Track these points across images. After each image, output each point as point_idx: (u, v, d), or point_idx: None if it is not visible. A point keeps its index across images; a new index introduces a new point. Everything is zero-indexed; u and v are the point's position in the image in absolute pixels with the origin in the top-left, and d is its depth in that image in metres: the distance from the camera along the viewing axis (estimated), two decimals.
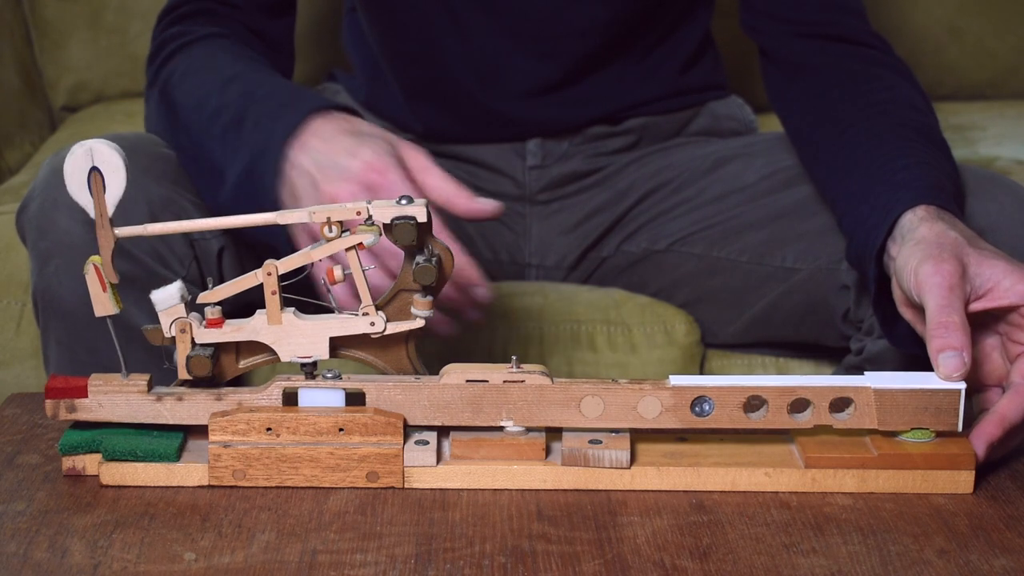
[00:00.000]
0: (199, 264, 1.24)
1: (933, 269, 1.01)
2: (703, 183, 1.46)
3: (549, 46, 1.45)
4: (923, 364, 1.01)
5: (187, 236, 1.24)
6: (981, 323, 1.03)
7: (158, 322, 0.97)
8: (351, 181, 1.09)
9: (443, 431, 1.00)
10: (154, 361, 1.01)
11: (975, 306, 1.02)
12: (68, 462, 0.98)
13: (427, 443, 0.98)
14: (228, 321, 0.97)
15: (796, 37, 1.35)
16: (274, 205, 1.14)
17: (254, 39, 1.37)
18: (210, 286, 0.97)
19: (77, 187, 0.94)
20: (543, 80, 1.46)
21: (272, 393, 0.98)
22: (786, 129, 1.36)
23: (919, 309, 1.03)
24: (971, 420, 1.01)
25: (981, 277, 1.02)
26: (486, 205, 1.12)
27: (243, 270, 0.98)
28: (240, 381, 1.01)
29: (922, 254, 1.03)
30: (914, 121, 1.23)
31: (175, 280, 0.98)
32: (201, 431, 0.98)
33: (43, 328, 1.27)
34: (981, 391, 1.05)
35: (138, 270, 1.20)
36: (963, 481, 0.98)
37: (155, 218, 1.19)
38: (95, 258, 0.96)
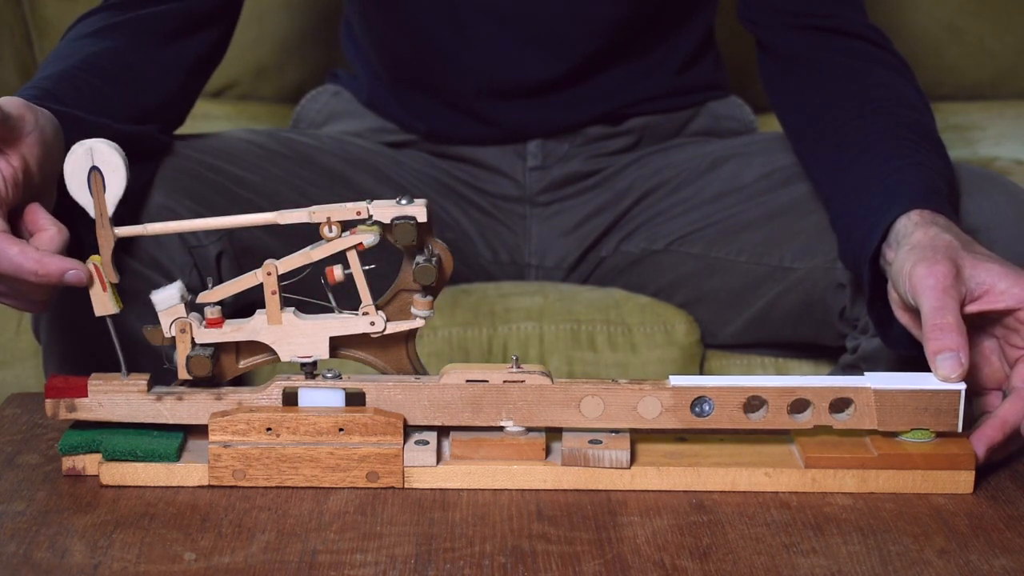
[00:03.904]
0: (199, 271, 1.24)
1: (926, 271, 1.01)
2: (701, 183, 1.46)
3: (553, 46, 1.45)
4: (918, 362, 1.02)
5: (185, 244, 1.23)
6: (978, 326, 1.03)
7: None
8: None
9: (443, 431, 1.00)
10: (156, 375, 1.00)
11: (971, 308, 1.02)
12: (68, 462, 0.98)
13: (427, 443, 0.98)
14: (228, 321, 0.97)
15: (793, 29, 1.35)
16: None
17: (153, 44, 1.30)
18: (209, 286, 0.97)
19: (77, 187, 0.94)
20: (545, 80, 1.46)
21: (272, 393, 0.98)
22: (782, 123, 1.36)
23: (915, 312, 1.04)
24: (971, 423, 1.01)
25: (976, 280, 1.02)
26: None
27: (242, 274, 0.98)
28: (240, 381, 1.01)
29: (916, 257, 1.03)
30: (910, 119, 1.23)
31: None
32: (201, 431, 0.98)
33: (37, 334, 1.27)
34: (980, 394, 1.05)
35: (138, 282, 1.19)
36: (963, 481, 0.98)
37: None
38: (95, 258, 0.96)
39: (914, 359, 1.06)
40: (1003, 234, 1.20)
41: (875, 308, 1.14)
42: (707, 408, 0.98)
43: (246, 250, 1.28)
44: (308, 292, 0.99)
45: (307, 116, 1.61)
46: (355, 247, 0.96)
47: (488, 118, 1.49)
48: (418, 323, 0.99)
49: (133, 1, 1.30)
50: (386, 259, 0.98)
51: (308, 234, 0.97)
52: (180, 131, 1.35)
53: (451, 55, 1.46)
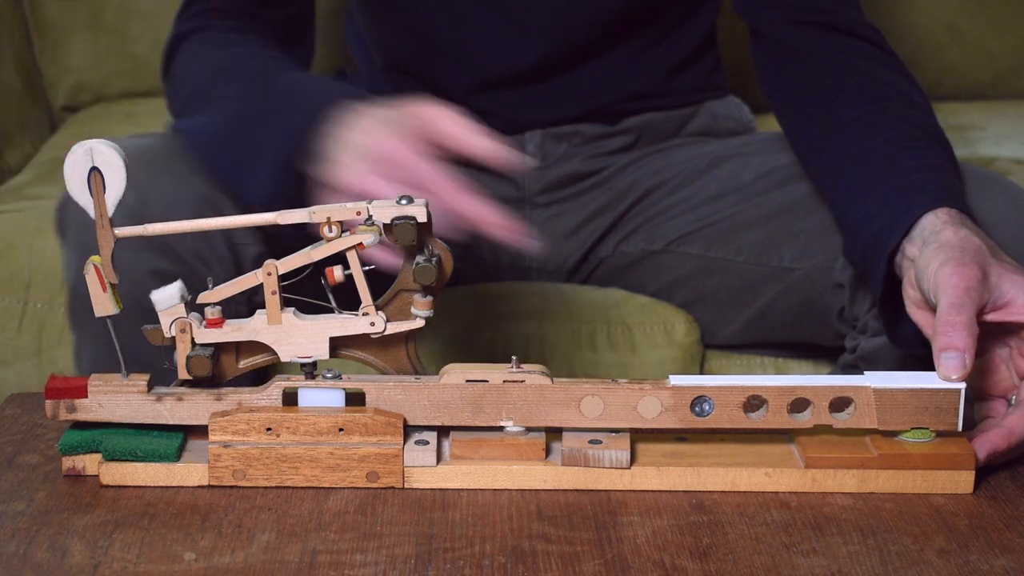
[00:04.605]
0: (238, 269, 1.23)
1: (953, 270, 1.01)
2: (700, 183, 1.46)
3: (551, 33, 1.45)
4: (918, 362, 1.01)
5: (228, 239, 1.23)
6: (993, 334, 1.03)
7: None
8: (365, 160, 1.08)
9: (443, 431, 1.00)
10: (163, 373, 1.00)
11: (991, 317, 1.02)
12: (68, 462, 0.98)
13: (427, 443, 0.98)
14: (228, 321, 0.97)
15: (791, 24, 1.34)
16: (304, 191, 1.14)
17: (268, 32, 1.37)
18: (210, 286, 0.97)
19: (77, 187, 0.94)
20: (542, 68, 1.46)
21: (272, 393, 0.98)
22: (778, 116, 1.35)
23: (931, 311, 1.03)
24: (972, 425, 1.01)
25: (1000, 289, 1.02)
26: (517, 158, 1.08)
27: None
28: (240, 381, 1.01)
29: (945, 256, 1.03)
30: (918, 120, 1.23)
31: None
32: (201, 431, 0.98)
33: (78, 324, 1.26)
34: (984, 400, 1.05)
35: (180, 268, 1.19)
36: (963, 481, 0.98)
37: (198, 215, 1.19)
38: (95, 258, 0.96)
39: (915, 359, 1.06)
40: (1001, 234, 1.19)
41: (886, 305, 1.13)
42: (707, 408, 0.98)
43: (286, 252, 1.28)
44: (308, 292, 0.99)
45: None
46: (355, 247, 0.96)
47: (485, 109, 1.49)
48: (418, 323, 0.99)
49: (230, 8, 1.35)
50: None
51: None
52: None
53: (449, 42, 1.46)
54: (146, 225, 0.97)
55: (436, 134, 1.09)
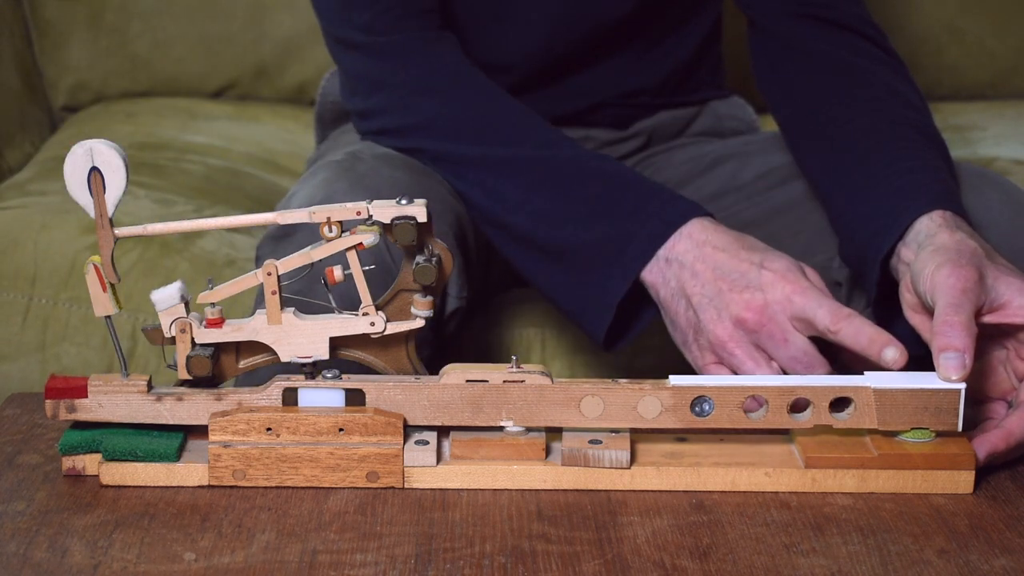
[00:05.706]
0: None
1: (950, 271, 1.01)
2: (700, 182, 1.45)
3: (560, 39, 1.44)
4: (914, 361, 1.01)
5: None
6: (990, 336, 1.03)
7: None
8: (764, 291, 1.09)
9: (443, 431, 1.00)
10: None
11: (987, 319, 1.02)
12: (68, 462, 0.98)
13: (427, 443, 0.98)
14: (228, 321, 0.97)
15: (790, 17, 1.33)
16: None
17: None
18: (210, 287, 0.97)
19: (77, 187, 0.94)
20: (547, 66, 1.46)
21: (272, 393, 0.98)
22: (773, 113, 1.34)
23: (928, 315, 1.03)
24: (971, 426, 1.01)
25: (996, 291, 1.02)
26: (898, 361, 1.03)
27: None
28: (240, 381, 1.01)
29: (941, 259, 1.03)
30: (915, 121, 1.23)
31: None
32: (201, 431, 0.98)
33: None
34: (983, 402, 1.05)
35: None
36: (963, 481, 0.98)
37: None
38: (95, 258, 0.96)
39: (909, 356, 1.06)
40: (996, 232, 1.19)
41: (879, 308, 1.13)
42: (707, 408, 0.98)
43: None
44: (308, 292, 0.99)
45: (332, 91, 1.59)
46: (355, 247, 0.96)
47: None
48: (418, 323, 0.99)
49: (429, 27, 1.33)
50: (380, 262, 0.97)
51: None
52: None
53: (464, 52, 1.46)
54: (145, 225, 0.97)
55: (803, 311, 1.08)
